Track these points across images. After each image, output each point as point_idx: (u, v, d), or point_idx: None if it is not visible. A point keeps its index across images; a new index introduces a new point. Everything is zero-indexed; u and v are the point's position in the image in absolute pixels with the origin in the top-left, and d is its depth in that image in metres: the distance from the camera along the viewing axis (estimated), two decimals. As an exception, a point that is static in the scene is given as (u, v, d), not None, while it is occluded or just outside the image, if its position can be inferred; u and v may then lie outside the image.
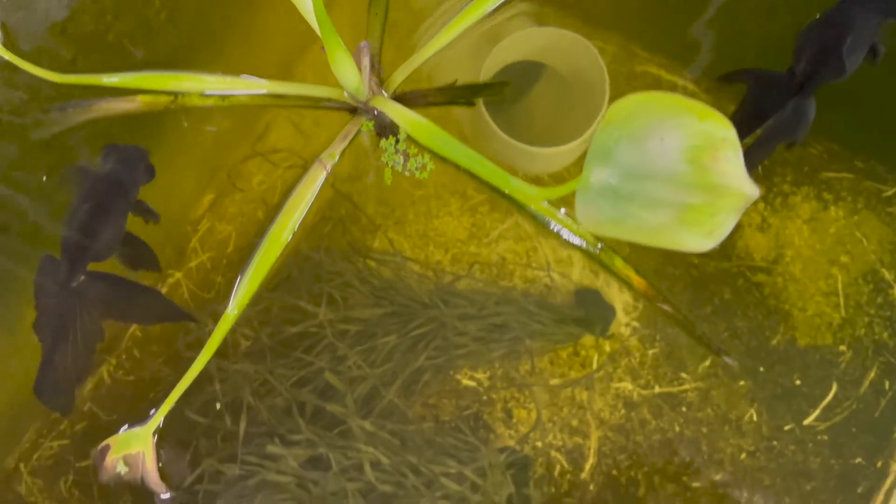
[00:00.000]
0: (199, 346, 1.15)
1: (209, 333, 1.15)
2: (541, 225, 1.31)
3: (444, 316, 1.18)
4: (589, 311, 1.32)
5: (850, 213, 1.37)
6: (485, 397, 1.34)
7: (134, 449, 1.05)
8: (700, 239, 0.95)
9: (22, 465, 1.29)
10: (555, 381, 1.36)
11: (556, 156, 1.37)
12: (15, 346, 1.25)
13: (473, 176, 1.28)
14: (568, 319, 1.31)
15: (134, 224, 1.22)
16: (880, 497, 1.23)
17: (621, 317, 1.36)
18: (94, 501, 1.24)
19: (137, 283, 1.12)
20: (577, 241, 1.29)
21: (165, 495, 1.05)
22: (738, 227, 1.37)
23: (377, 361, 1.14)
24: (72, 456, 1.28)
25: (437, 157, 1.32)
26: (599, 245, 1.27)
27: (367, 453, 1.02)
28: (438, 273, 1.30)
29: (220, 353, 1.13)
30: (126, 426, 1.13)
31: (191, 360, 1.14)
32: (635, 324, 1.38)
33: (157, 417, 1.12)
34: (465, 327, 1.22)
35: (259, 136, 1.43)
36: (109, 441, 1.09)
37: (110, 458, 1.04)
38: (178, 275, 1.31)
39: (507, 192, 1.25)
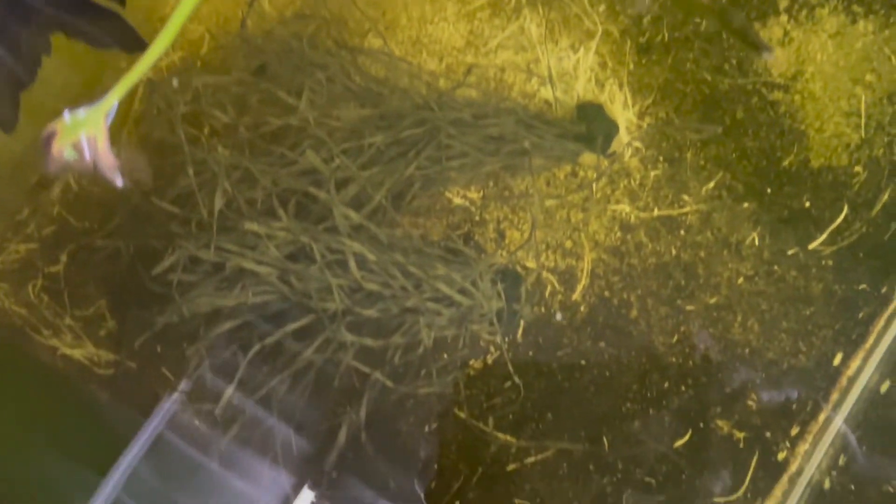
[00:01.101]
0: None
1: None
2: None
3: (437, 119, 1.10)
4: (591, 126, 1.24)
5: (880, 28, 1.26)
6: (477, 217, 1.29)
7: (84, 133, 0.93)
8: None
9: (-15, 268, 1.26)
10: (550, 202, 1.31)
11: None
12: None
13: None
14: (568, 134, 1.24)
15: None
16: (881, 322, 1.19)
17: (623, 136, 1.29)
18: (65, 308, 1.23)
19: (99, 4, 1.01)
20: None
21: (120, 182, 0.98)
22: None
23: (365, 164, 1.07)
24: (40, 261, 1.25)
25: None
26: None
27: (352, 248, 0.97)
28: (432, 78, 1.21)
29: (193, 140, 1.07)
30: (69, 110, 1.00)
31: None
32: (637, 144, 1.30)
33: (110, 99, 0.95)
34: (459, 136, 1.14)
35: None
36: (55, 125, 0.96)
37: (57, 145, 0.93)
38: None
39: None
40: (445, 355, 1.18)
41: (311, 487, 1.17)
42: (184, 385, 1.13)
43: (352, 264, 0.97)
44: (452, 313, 1.10)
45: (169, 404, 1.15)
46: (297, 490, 1.16)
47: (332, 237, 0.97)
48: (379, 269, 1.01)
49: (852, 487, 1.15)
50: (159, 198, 0.99)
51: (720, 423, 1.21)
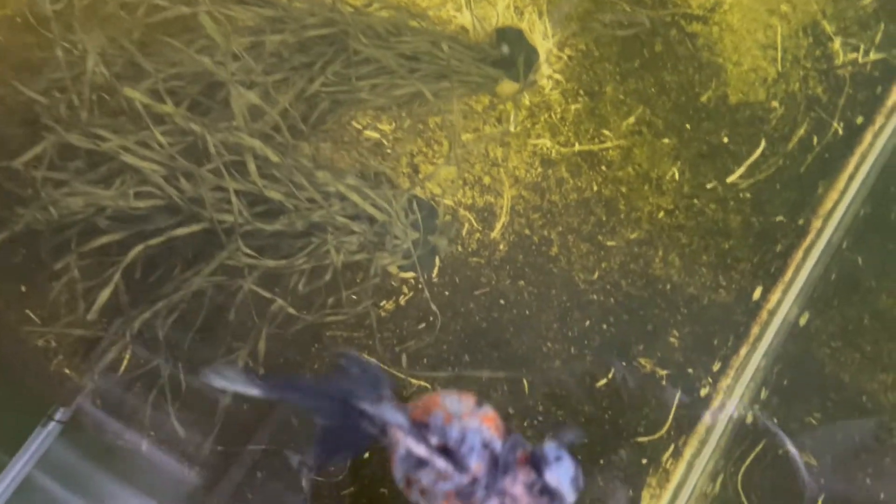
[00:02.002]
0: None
1: None
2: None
3: (346, 24, 1.02)
4: (511, 50, 1.19)
5: (795, -37, 1.27)
6: (389, 150, 1.21)
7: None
8: None
9: None
10: (468, 136, 1.24)
11: None
12: None
13: None
14: (487, 59, 1.18)
15: None
16: (799, 255, 1.18)
17: (544, 69, 1.24)
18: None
19: None
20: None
21: None
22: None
23: (267, 69, 0.98)
24: None
25: None
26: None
27: (252, 146, 0.87)
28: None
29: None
30: None
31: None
32: (558, 76, 1.26)
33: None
34: (370, 52, 1.06)
35: None
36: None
37: None
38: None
39: None
40: (357, 283, 1.10)
41: None
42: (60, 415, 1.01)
43: (251, 166, 0.87)
44: (365, 235, 1.01)
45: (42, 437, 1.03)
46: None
47: (229, 133, 0.86)
48: (283, 176, 0.91)
49: (775, 420, 1.13)
50: (27, 85, 0.86)
51: (643, 361, 1.16)
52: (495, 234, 1.22)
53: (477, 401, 0.81)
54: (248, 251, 0.90)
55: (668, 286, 1.20)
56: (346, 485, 1.10)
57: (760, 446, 1.13)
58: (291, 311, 1.00)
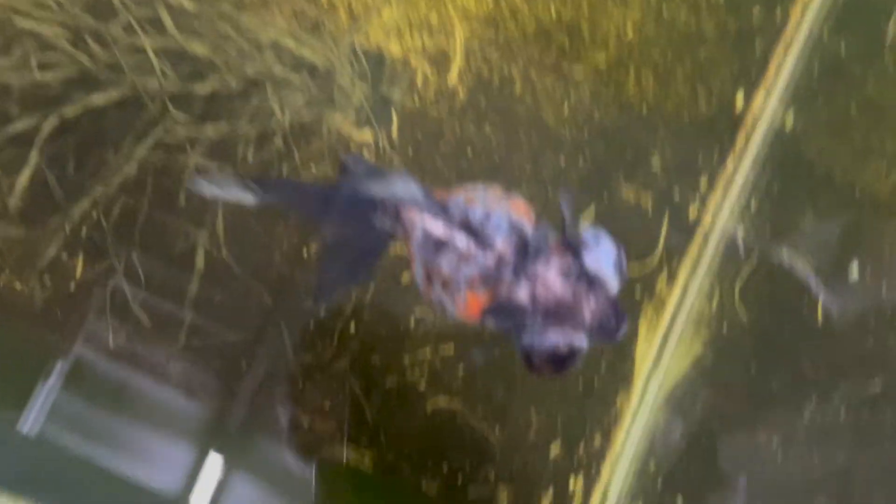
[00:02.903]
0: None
1: None
2: None
3: None
4: None
5: None
6: (324, 2, 1.11)
7: None
8: None
9: None
10: (407, -26, 1.14)
11: None
12: None
13: None
14: None
15: None
16: (779, 53, 1.10)
17: None
18: None
19: None
20: None
21: None
22: None
23: None
24: None
25: None
26: None
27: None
28: None
29: None
30: None
31: None
32: None
33: None
34: None
35: None
36: None
37: None
38: None
39: None
40: (308, 146, 1.02)
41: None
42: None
43: (166, 19, 0.77)
44: (308, 89, 0.92)
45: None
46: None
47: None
48: (205, 28, 0.81)
49: (767, 230, 1.08)
50: None
51: (625, 190, 1.11)
52: (452, 79, 1.13)
53: (504, 190, 0.68)
54: (183, 118, 0.82)
55: (644, 108, 1.12)
56: (337, 359, 1.07)
57: (755, 258, 1.10)
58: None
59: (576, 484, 1.07)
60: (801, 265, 1.08)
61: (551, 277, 0.62)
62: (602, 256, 0.63)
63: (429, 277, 0.66)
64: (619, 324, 0.63)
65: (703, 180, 1.11)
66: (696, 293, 1.09)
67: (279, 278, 1.07)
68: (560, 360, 0.63)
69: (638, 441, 1.08)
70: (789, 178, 1.11)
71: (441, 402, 1.08)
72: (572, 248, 0.63)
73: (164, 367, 1.01)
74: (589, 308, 0.62)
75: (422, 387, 1.07)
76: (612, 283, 0.63)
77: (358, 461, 1.05)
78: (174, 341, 0.98)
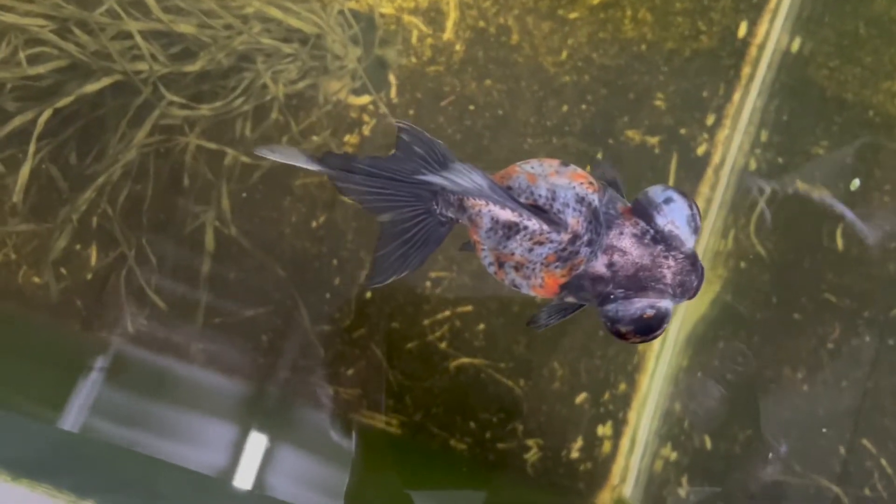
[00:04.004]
0: None
1: None
2: None
3: None
4: None
5: None
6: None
7: None
8: None
9: None
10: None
11: None
12: None
13: None
14: None
15: None
16: (779, -24, 1.07)
17: None
18: None
19: None
20: None
21: None
22: None
23: None
24: None
25: None
26: None
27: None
28: None
29: None
30: None
31: None
32: None
33: None
34: None
35: None
36: None
37: None
38: None
39: None
40: (306, 117, 1.01)
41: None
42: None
43: (149, 1, 0.77)
44: (301, 58, 0.91)
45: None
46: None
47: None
48: (189, 5, 0.81)
49: (780, 161, 1.06)
50: None
51: (630, 133, 1.09)
52: (448, 34, 1.11)
53: (562, 161, 0.66)
54: (178, 99, 0.81)
55: (644, 46, 1.10)
56: (356, 327, 1.07)
57: (768, 191, 1.08)
58: (245, 159, 0.93)
59: (604, 431, 1.08)
60: (817, 194, 1.05)
61: (627, 245, 0.62)
62: (676, 215, 0.62)
63: (500, 263, 0.66)
64: (699, 279, 0.63)
65: (711, 116, 1.08)
66: (710, 231, 1.07)
67: (291, 251, 1.08)
68: (648, 326, 0.63)
69: (662, 384, 1.08)
70: (800, 104, 1.08)
71: (464, 359, 1.08)
72: (643, 211, 0.63)
73: (186, 348, 1.02)
74: (669, 269, 0.62)
75: (443, 346, 1.08)
76: (689, 240, 0.63)
77: (386, 424, 1.06)
78: (193, 322, 1.00)
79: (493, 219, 0.62)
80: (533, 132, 1.10)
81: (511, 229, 0.62)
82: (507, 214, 0.62)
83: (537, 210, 0.62)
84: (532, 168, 0.65)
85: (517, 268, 0.65)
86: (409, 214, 0.68)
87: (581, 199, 0.62)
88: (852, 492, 1.03)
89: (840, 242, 1.06)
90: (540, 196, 0.63)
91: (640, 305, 0.62)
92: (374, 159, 0.65)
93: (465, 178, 0.62)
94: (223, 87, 0.87)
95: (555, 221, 0.61)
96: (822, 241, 1.06)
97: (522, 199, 0.62)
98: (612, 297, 0.63)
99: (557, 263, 0.63)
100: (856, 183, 1.03)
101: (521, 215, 0.61)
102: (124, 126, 0.88)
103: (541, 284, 0.65)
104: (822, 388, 1.04)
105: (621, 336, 0.64)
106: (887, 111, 1.07)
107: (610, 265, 0.63)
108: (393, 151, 0.65)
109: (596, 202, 0.63)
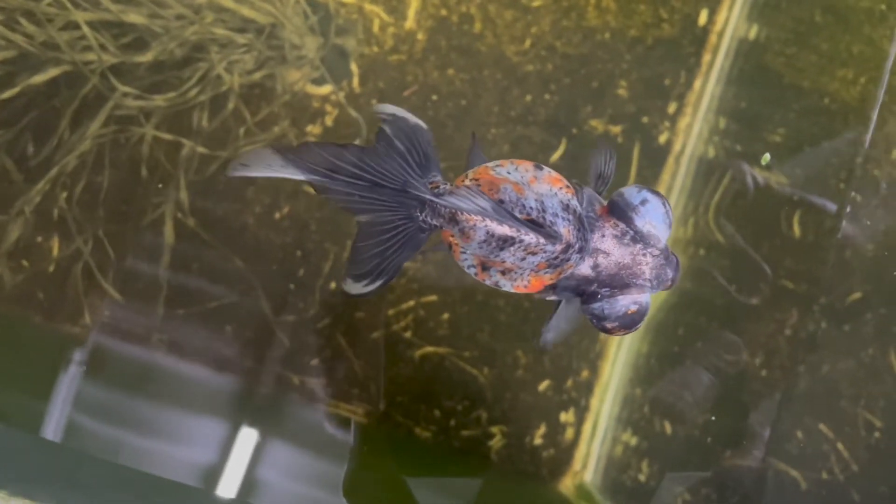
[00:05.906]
0: None
1: None
2: None
3: None
4: None
5: None
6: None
7: None
8: None
9: None
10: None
11: None
12: None
13: None
14: None
15: None
16: (738, -36, 1.08)
17: None
18: None
19: None
20: None
21: None
22: None
23: None
24: None
25: None
26: None
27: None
28: None
29: None
30: None
31: None
32: None
33: None
34: None
35: None
36: None
37: None
38: None
39: None
40: (265, 107, 1.01)
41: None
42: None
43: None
44: (256, 48, 0.90)
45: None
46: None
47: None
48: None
49: (738, 149, 1.07)
50: None
51: (594, 122, 1.09)
52: (410, 23, 1.11)
53: (535, 164, 0.67)
54: (131, 90, 0.81)
55: (607, 34, 1.10)
56: (320, 317, 1.07)
57: (727, 179, 1.08)
58: (202, 149, 0.93)
59: (567, 418, 1.09)
60: (775, 181, 1.06)
61: (609, 246, 0.65)
62: (652, 216, 0.65)
63: (484, 267, 0.67)
64: (674, 272, 0.66)
65: (672, 104, 1.09)
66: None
67: (255, 242, 1.08)
68: (632, 321, 0.66)
69: (623, 370, 1.09)
70: (758, 91, 1.09)
71: (428, 348, 1.09)
72: (621, 213, 0.65)
73: (147, 339, 1.02)
74: (647, 265, 0.65)
75: (408, 335, 1.08)
76: (664, 236, 0.66)
77: (351, 413, 1.07)
78: (154, 313, 0.99)
79: (488, 232, 0.64)
80: (496, 121, 1.10)
81: (506, 242, 0.64)
82: (503, 229, 0.63)
83: (535, 225, 0.63)
84: (509, 174, 0.66)
85: (504, 272, 0.66)
86: (389, 218, 0.68)
87: (566, 207, 0.64)
88: (810, 475, 1.05)
89: (797, 229, 1.07)
90: (532, 209, 0.64)
91: (625, 303, 0.66)
92: (362, 153, 0.64)
93: (468, 202, 0.62)
94: (178, 77, 0.87)
95: (551, 235, 0.63)
96: (781, 227, 1.07)
97: (516, 213, 0.63)
98: (598, 295, 0.66)
99: (547, 270, 0.65)
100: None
101: (518, 230, 0.63)
102: (77, 117, 0.87)
103: (526, 286, 0.67)
104: (779, 372, 1.05)
105: (606, 330, 0.68)
106: (842, 98, 1.08)
107: (595, 266, 0.66)
108: (374, 144, 0.65)
109: (578, 207, 0.65)
